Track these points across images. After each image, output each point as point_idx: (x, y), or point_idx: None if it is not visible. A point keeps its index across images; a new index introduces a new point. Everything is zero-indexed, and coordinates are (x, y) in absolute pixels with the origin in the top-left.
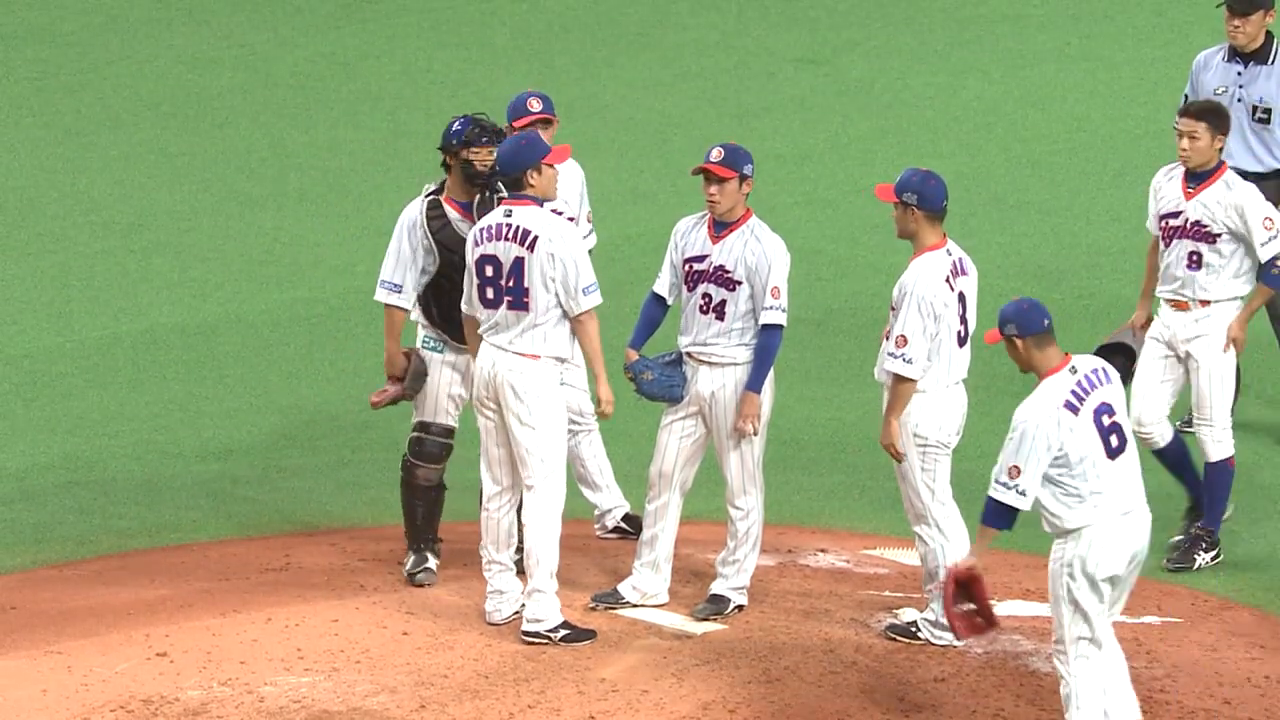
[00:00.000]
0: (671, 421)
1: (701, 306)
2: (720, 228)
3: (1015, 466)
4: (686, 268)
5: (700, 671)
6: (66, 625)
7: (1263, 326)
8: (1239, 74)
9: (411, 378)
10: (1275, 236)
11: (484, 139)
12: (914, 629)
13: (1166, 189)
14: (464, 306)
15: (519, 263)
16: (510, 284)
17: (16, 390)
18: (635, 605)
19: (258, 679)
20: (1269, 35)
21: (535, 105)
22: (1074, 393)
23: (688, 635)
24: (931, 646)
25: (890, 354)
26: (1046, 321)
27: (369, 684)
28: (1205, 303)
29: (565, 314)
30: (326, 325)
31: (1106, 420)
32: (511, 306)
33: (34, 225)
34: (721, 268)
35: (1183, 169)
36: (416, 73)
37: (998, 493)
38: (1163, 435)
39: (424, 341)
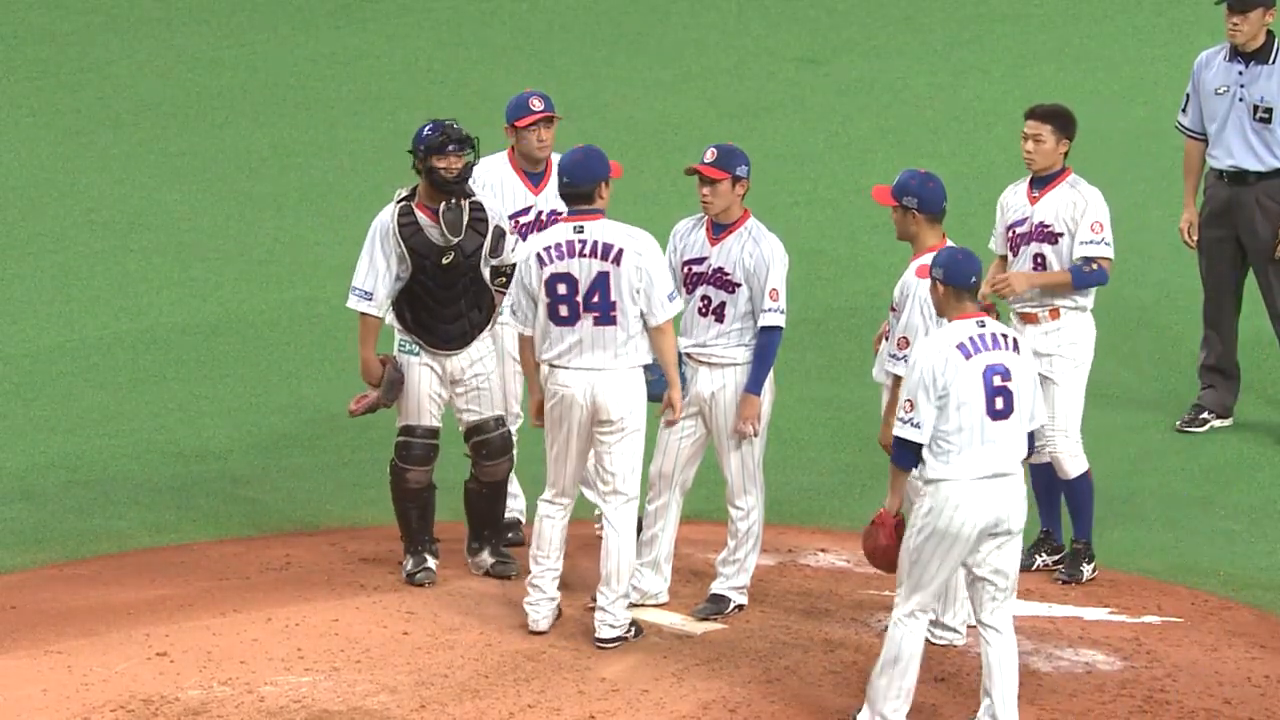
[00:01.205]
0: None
1: (701, 309)
2: (718, 230)
3: (909, 400)
4: (685, 270)
5: (700, 671)
6: (66, 625)
7: (1263, 326)
8: (1240, 73)
9: (386, 386)
10: (1097, 242)
11: (449, 147)
12: None
13: (1012, 201)
14: (521, 327)
15: (603, 277)
16: (595, 299)
17: (16, 390)
18: (635, 605)
19: (258, 679)
20: (1270, 34)
21: (537, 104)
22: (972, 340)
23: (688, 635)
24: (932, 646)
25: (891, 355)
26: (974, 279)
27: (369, 683)
28: (1055, 313)
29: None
30: (326, 325)
31: (997, 381)
32: (598, 323)
33: (34, 225)
34: (720, 270)
35: (1027, 180)
36: (416, 73)
37: (896, 428)
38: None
39: (400, 345)
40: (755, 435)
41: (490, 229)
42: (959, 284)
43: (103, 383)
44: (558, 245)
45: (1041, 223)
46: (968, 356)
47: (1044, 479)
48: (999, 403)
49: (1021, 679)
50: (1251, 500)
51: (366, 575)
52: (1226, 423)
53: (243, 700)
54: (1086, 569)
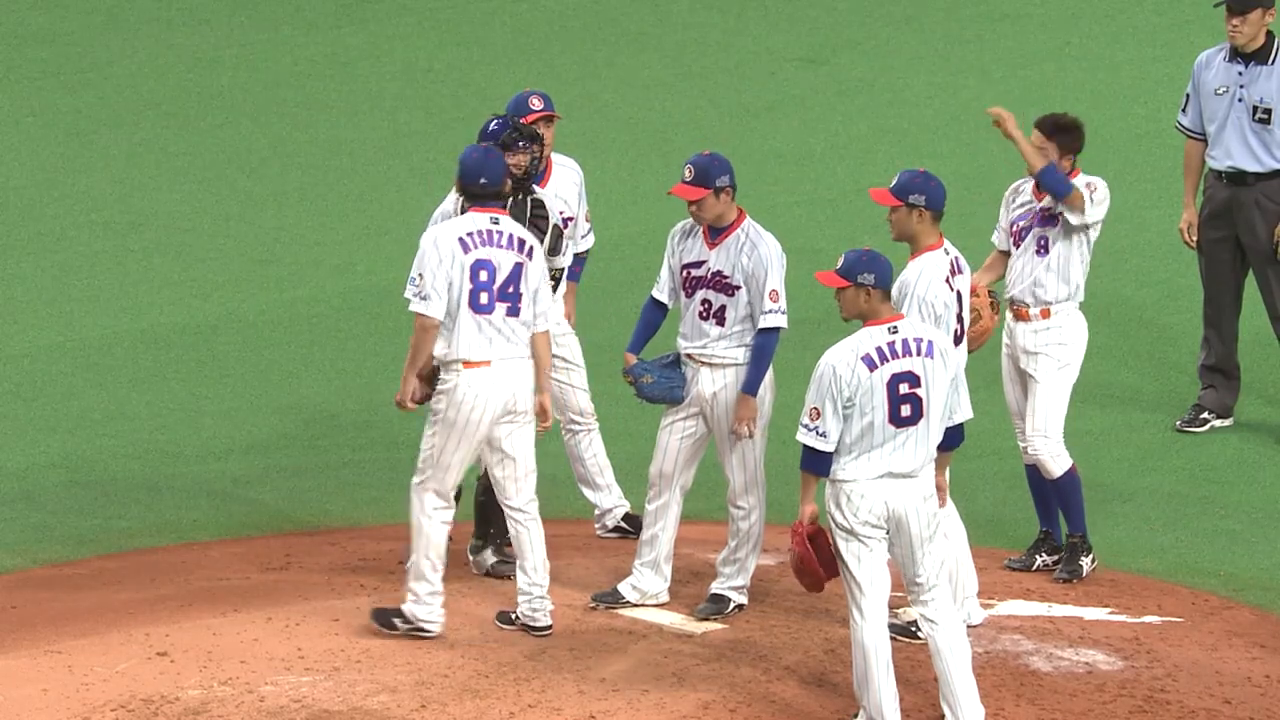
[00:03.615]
0: (672, 421)
1: (701, 313)
2: (715, 233)
3: (815, 408)
4: (685, 274)
5: (700, 671)
6: (66, 625)
7: (1263, 326)
8: (1240, 74)
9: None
10: (1084, 190)
11: (520, 143)
12: (914, 629)
13: (1017, 199)
14: (435, 315)
15: (518, 269)
16: (510, 290)
17: (16, 390)
18: (635, 605)
19: (258, 678)
20: (1270, 35)
21: (537, 103)
22: (880, 350)
23: (688, 635)
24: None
25: None
26: (892, 277)
27: (369, 683)
28: (1046, 313)
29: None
30: (326, 325)
31: (905, 389)
32: (510, 313)
33: (34, 225)
34: (719, 273)
35: (1033, 180)
36: (416, 73)
37: (800, 434)
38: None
39: None
40: (750, 436)
41: (550, 226)
42: (888, 285)
43: (103, 383)
44: (481, 231)
45: (1047, 208)
46: (873, 368)
47: (1036, 480)
48: (905, 410)
49: (1021, 679)
50: (1251, 500)
51: (366, 575)
52: (1227, 423)
53: (243, 700)
54: (1085, 562)
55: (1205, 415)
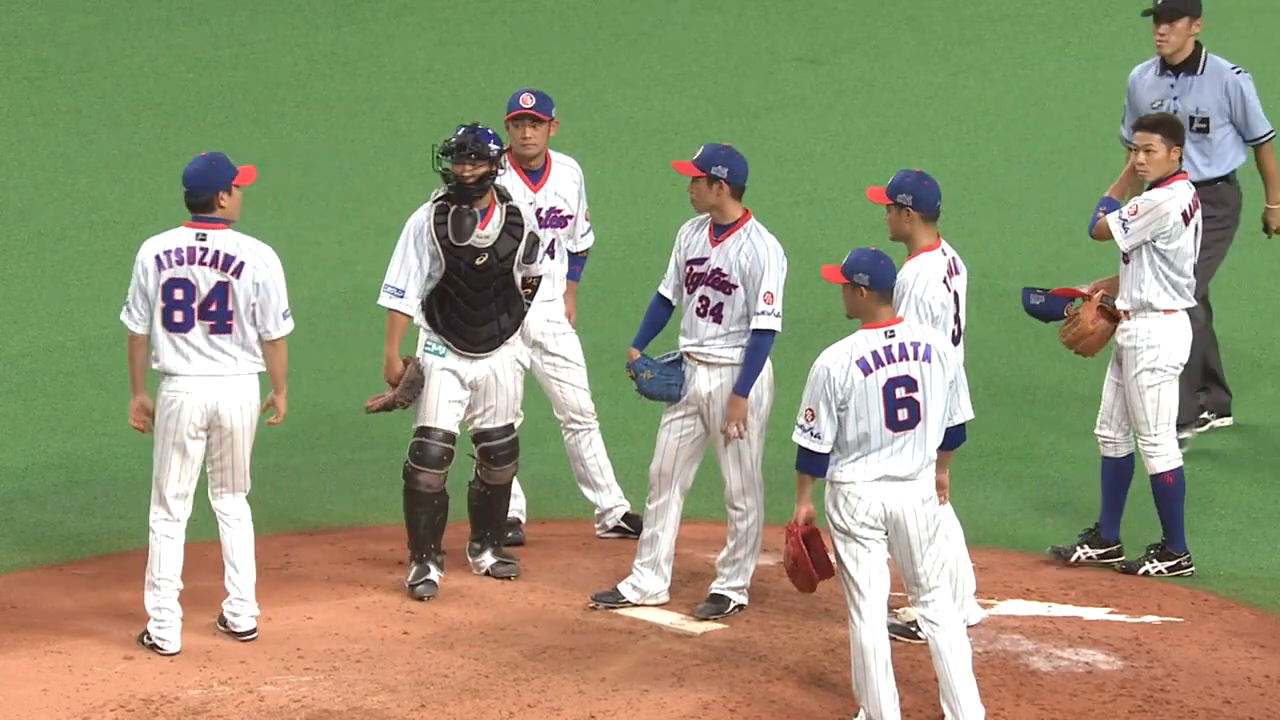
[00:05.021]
0: (671, 420)
1: (699, 309)
2: (719, 231)
3: (809, 410)
4: (687, 269)
5: (700, 671)
6: (66, 625)
7: (1256, 325)
8: (1171, 86)
9: (404, 386)
10: (1123, 212)
11: (462, 153)
12: (914, 629)
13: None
14: (134, 327)
15: (222, 288)
16: (213, 308)
17: (16, 390)
18: (635, 605)
19: (258, 678)
20: (1197, 45)
21: (527, 101)
22: (875, 354)
23: (688, 635)
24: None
25: None
26: (893, 280)
27: (369, 683)
28: (1126, 315)
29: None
30: (326, 325)
31: (901, 393)
32: (215, 331)
33: (34, 225)
34: (718, 270)
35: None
36: (416, 73)
37: (795, 435)
38: (1115, 446)
39: (425, 346)
40: (740, 437)
41: (525, 234)
42: (884, 287)
43: (103, 383)
44: (178, 250)
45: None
46: (868, 372)
47: (1109, 476)
48: (902, 414)
49: (1021, 679)
50: (1251, 500)
51: (366, 575)
52: (1227, 422)
53: (243, 700)
54: (1149, 566)
55: (1205, 415)
